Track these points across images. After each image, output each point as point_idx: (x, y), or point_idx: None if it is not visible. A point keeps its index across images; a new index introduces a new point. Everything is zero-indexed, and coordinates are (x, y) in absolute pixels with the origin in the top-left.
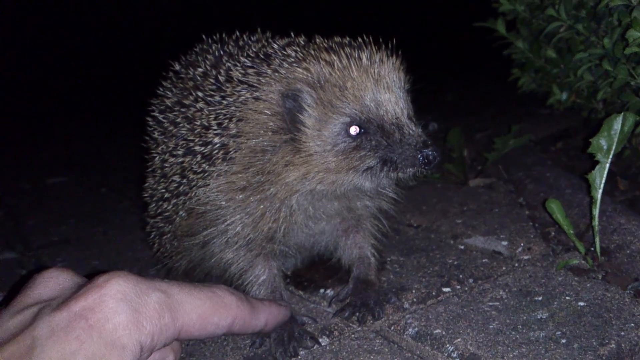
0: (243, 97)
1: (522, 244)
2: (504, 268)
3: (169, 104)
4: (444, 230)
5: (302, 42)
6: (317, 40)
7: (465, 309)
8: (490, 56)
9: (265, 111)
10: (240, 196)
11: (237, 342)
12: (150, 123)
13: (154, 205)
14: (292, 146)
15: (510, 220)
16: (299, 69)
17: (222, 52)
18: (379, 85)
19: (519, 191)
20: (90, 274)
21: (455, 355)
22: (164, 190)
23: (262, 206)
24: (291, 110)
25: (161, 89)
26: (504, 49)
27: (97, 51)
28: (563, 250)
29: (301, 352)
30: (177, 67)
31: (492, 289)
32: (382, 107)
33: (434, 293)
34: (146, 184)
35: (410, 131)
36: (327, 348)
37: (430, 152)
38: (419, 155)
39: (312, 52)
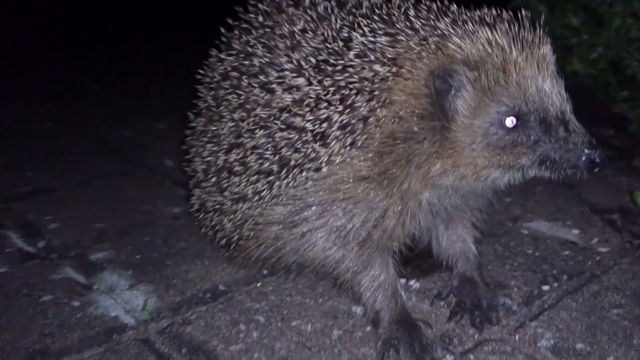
0: (378, 72)
1: (596, 237)
2: (589, 263)
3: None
4: (497, 209)
5: (455, 11)
6: (469, 12)
7: (592, 318)
8: None
9: (413, 91)
10: (363, 187)
11: (352, 351)
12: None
13: (214, 177)
14: (439, 135)
15: (564, 202)
16: (452, 46)
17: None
18: (545, 71)
19: None
20: None
21: None
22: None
23: (388, 201)
24: (441, 93)
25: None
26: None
27: None
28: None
29: None
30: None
31: (604, 292)
32: (548, 98)
33: (535, 292)
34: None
35: (576, 127)
36: None
37: (597, 155)
38: (583, 157)
39: (470, 25)
